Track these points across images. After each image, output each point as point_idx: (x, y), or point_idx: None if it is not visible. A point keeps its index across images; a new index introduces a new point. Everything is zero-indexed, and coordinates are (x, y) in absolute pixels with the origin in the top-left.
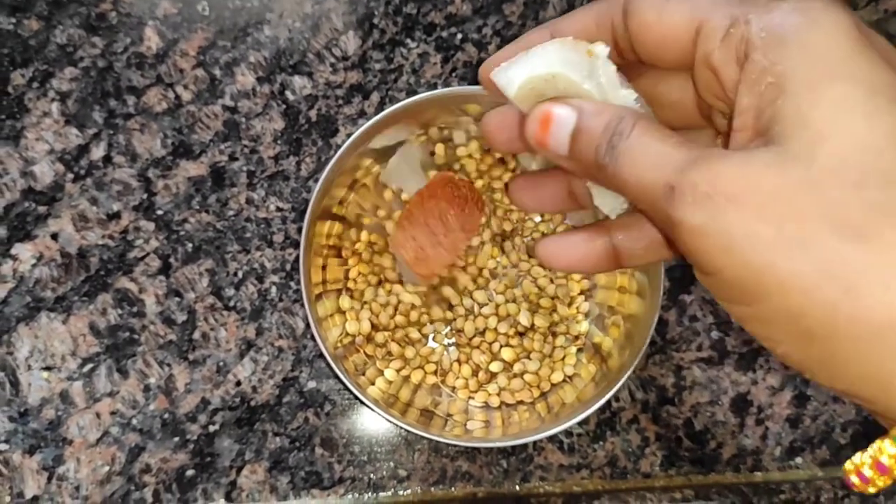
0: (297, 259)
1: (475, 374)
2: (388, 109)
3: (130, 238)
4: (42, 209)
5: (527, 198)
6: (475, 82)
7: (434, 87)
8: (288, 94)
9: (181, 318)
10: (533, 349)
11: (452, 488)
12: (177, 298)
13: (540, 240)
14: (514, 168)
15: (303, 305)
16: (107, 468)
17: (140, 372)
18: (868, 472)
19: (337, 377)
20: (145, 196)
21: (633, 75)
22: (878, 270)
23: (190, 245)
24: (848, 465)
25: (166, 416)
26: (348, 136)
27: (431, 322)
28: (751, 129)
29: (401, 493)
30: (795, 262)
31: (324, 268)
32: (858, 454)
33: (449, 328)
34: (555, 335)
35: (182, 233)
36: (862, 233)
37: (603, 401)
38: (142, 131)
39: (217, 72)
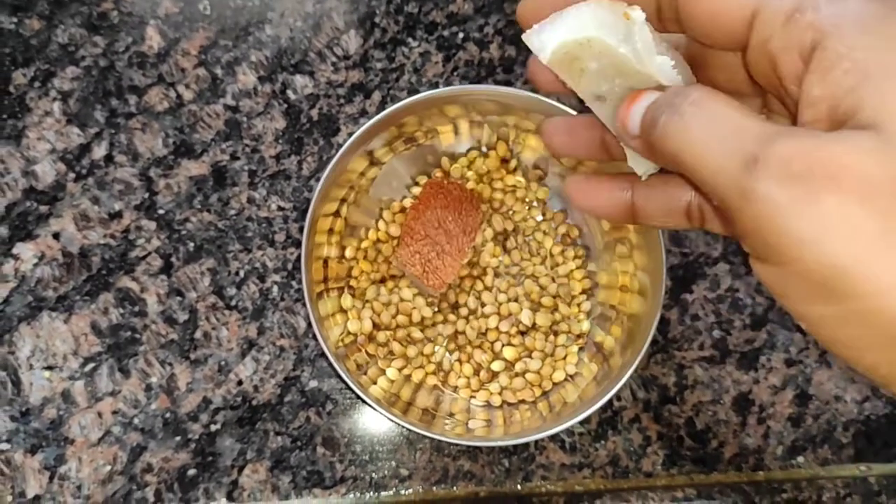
0: (298, 258)
1: (477, 373)
2: (390, 108)
3: (132, 237)
4: (44, 208)
5: (559, 141)
6: (477, 81)
7: (436, 86)
8: (289, 93)
9: (183, 317)
10: (535, 348)
11: (454, 487)
12: (178, 298)
13: (571, 176)
14: (514, 169)
15: (304, 304)
16: (108, 467)
17: (141, 371)
18: None
19: (338, 376)
20: (147, 195)
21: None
22: None
23: (191, 244)
24: None
25: (168, 415)
26: (350, 135)
27: (433, 321)
28: (825, 120)
29: (402, 492)
30: None
31: (325, 266)
32: None
33: (451, 327)
34: (556, 334)
35: (183, 232)
36: None
37: (604, 400)
38: (143, 130)
39: (218, 71)
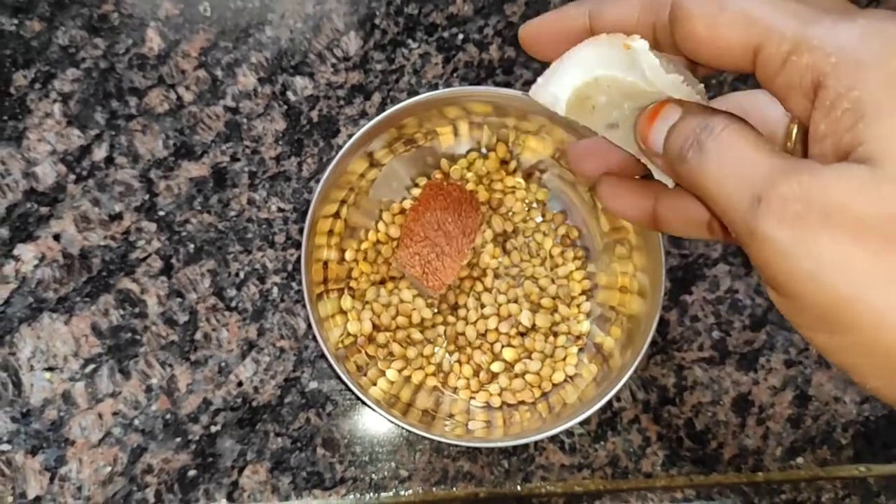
0: (298, 259)
1: (476, 374)
2: (390, 110)
3: (132, 239)
4: (44, 210)
5: (590, 167)
6: (476, 82)
7: (435, 87)
8: (289, 94)
9: (183, 318)
10: (534, 349)
11: (454, 488)
12: (178, 299)
13: (603, 177)
14: (514, 170)
15: (304, 306)
16: (109, 469)
17: (142, 372)
18: None
19: (338, 377)
20: (147, 197)
21: None
22: None
23: (192, 246)
24: None
25: (168, 416)
26: (350, 136)
27: (433, 323)
28: (831, 156)
29: (402, 493)
30: (892, 296)
31: (325, 267)
32: None
33: (450, 329)
34: (556, 335)
35: (184, 233)
36: None
37: (604, 401)
38: (143, 132)
39: (219, 72)
